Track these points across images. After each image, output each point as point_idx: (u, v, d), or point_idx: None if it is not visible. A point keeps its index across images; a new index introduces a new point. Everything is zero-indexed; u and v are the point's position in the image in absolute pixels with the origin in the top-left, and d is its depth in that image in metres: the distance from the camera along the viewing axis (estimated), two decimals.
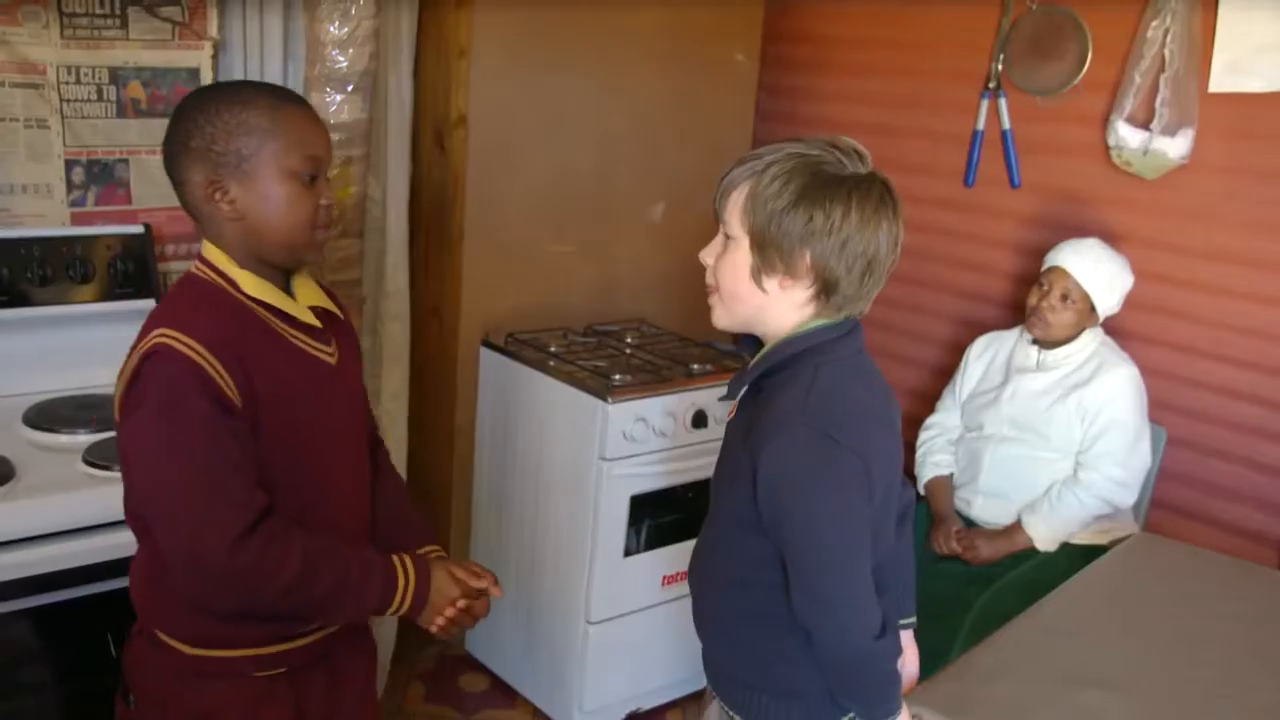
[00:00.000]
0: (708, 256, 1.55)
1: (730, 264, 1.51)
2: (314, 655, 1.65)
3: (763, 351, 1.53)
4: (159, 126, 2.58)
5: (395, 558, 1.60)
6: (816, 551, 1.46)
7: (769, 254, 1.46)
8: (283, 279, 1.60)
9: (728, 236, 1.51)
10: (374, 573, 1.56)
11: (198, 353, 1.44)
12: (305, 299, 1.62)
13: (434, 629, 1.64)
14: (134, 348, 1.50)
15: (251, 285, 1.55)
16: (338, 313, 1.68)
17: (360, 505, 1.71)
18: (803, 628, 1.51)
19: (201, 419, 1.43)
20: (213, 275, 1.55)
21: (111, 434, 2.24)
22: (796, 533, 1.46)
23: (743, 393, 1.57)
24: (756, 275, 1.48)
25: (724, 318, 1.56)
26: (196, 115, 1.51)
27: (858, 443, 1.46)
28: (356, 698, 1.76)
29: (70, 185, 2.53)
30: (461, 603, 1.64)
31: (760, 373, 1.52)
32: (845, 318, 1.52)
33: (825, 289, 1.47)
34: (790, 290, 1.48)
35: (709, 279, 1.55)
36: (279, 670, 1.61)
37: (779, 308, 1.50)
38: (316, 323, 1.62)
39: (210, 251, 1.56)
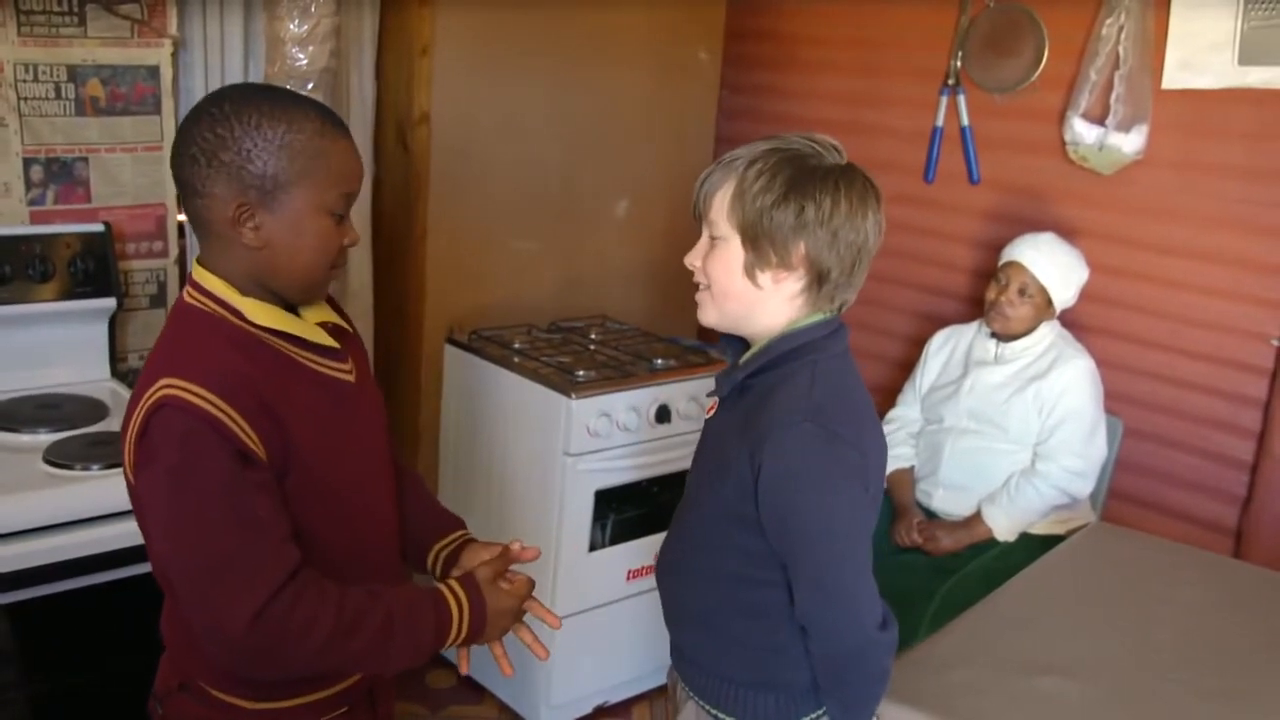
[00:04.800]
0: (694, 259, 1.56)
1: (721, 262, 1.51)
2: (366, 689, 1.58)
3: (755, 348, 1.54)
4: (118, 124, 2.59)
5: (442, 586, 1.49)
6: (826, 544, 1.47)
7: (762, 247, 1.47)
8: (286, 301, 1.46)
9: (714, 237, 1.52)
10: (421, 608, 1.44)
11: (210, 403, 1.30)
12: (313, 316, 1.49)
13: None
14: (139, 396, 1.35)
15: (259, 314, 1.40)
16: (347, 326, 1.56)
17: (392, 522, 1.61)
18: (800, 623, 1.52)
19: (218, 482, 1.30)
20: (213, 305, 1.40)
21: (73, 433, 2.25)
22: (805, 527, 1.47)
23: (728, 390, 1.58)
24: (750, 271, 1.49)
25: (713, 315, 1.56)
26: (232, 124, 1.34)
27: (856, 437, 1.48)
28: None
29: (29, 183, 2.51)
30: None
31: (751, 370, 1.53)
32: (834, 313, 1.54)
33: (818, 279, 1.49)
34: (784, 283, 1.50)
35: (699, 278, 1.56)
36: (341, 711, 1.54)
37: (772, 302, 1.51)
38: (333, 343, 1.49)
39: (206, 278, 1.41)
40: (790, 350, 1.50)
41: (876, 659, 1.54)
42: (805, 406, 1.45)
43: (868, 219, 1.49)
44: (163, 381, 1.31)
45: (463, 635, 1.48)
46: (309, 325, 1.47)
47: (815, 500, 1.46)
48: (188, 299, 1.43)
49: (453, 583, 1.50)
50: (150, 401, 1.31)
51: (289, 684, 1.47)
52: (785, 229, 1.46)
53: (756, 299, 1.51)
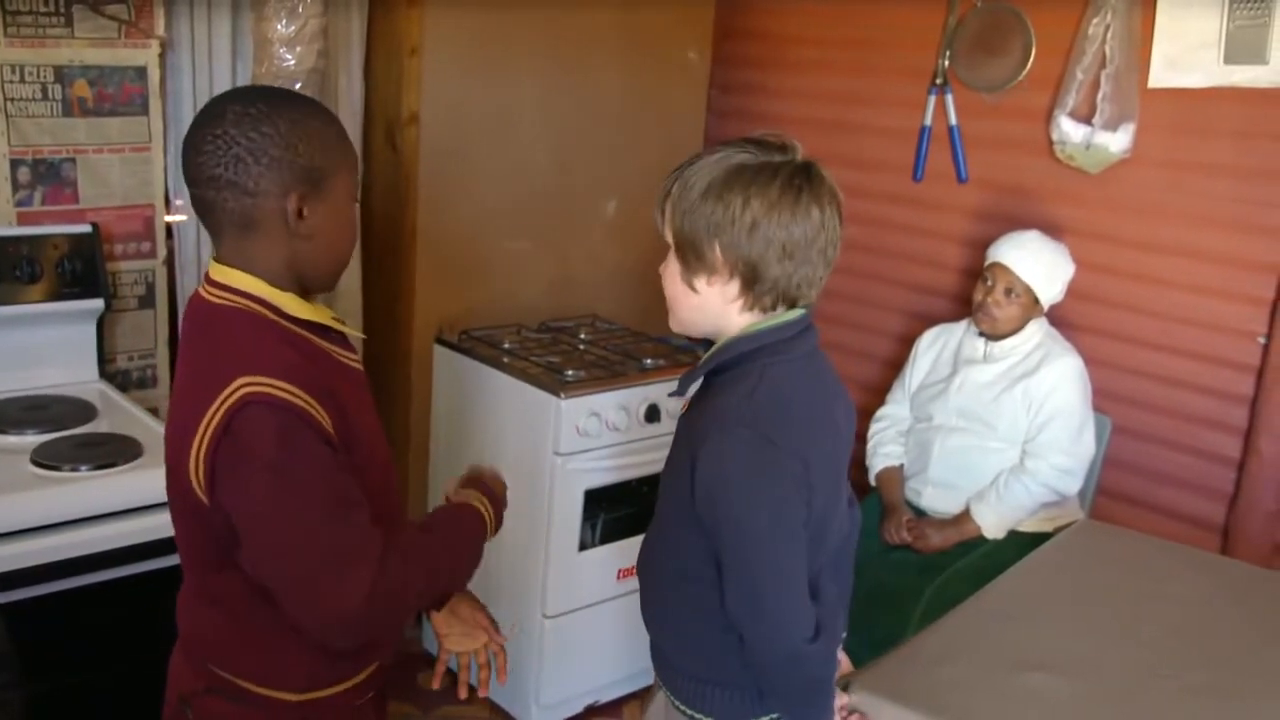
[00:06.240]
0: (661, 268, 1.58)
1: (668, 271, 1.55)
2: (384, 675, 1.62)
3: (712, 349, 1.55)
4: (106, 125, 2.58)
5: (459, 497, 1.64)
6: (751, 552, 1.47)
7: (685, 253, 1.49)
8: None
9: (669, 246, 1.55)
10: (464, 516, 1.59)
11: (295, 395, 1.33)
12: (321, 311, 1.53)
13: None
14: (204, 399, 1.33)
15: (297, 307, 1.43)
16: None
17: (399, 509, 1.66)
18: (735, 626, 1.53)
19: (319, 472, 1.34)
20: (246, 303, 1.41)
21: (61, 434, 2.24)
22: (732, 532, 1.47)
23: (694, 389, 1.59)
24: (685, 278, 1.51)
25: (674, 323, 1.59)
26: (275, 121, 1.36)
27: (798, 445, 1.47)
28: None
29: (16, 184, 2.51)
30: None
31: (709, 370, 1.54)
32: (800, 313, 1.53)
33: (748, 279, 1.48)
34: (717, 286, 1.50)
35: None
36: (369, 696, 1.59)
37: (714, 307, 1.52)
38: (354, 330, 1.54)
39: (232, 275, 1.41)
40: (747, 351, 1.50)
41: (807, 669, 1.53)
42: (743, 410, 1.46)
43: (797, 212, 1.44)
44: (240, 380, 1.32)
45: (494, 527, 1.62)
46: (329, 316, 1.51)
47: (741, 506, 1.46)
48: (213, 299, 1.42)
49: (465, 490, 1.65)
50: (232, 401, 1.31)
51: (333, 672, 1.51)
52: (700, 232, 1.47)
53: (699, 304, 1.52)
